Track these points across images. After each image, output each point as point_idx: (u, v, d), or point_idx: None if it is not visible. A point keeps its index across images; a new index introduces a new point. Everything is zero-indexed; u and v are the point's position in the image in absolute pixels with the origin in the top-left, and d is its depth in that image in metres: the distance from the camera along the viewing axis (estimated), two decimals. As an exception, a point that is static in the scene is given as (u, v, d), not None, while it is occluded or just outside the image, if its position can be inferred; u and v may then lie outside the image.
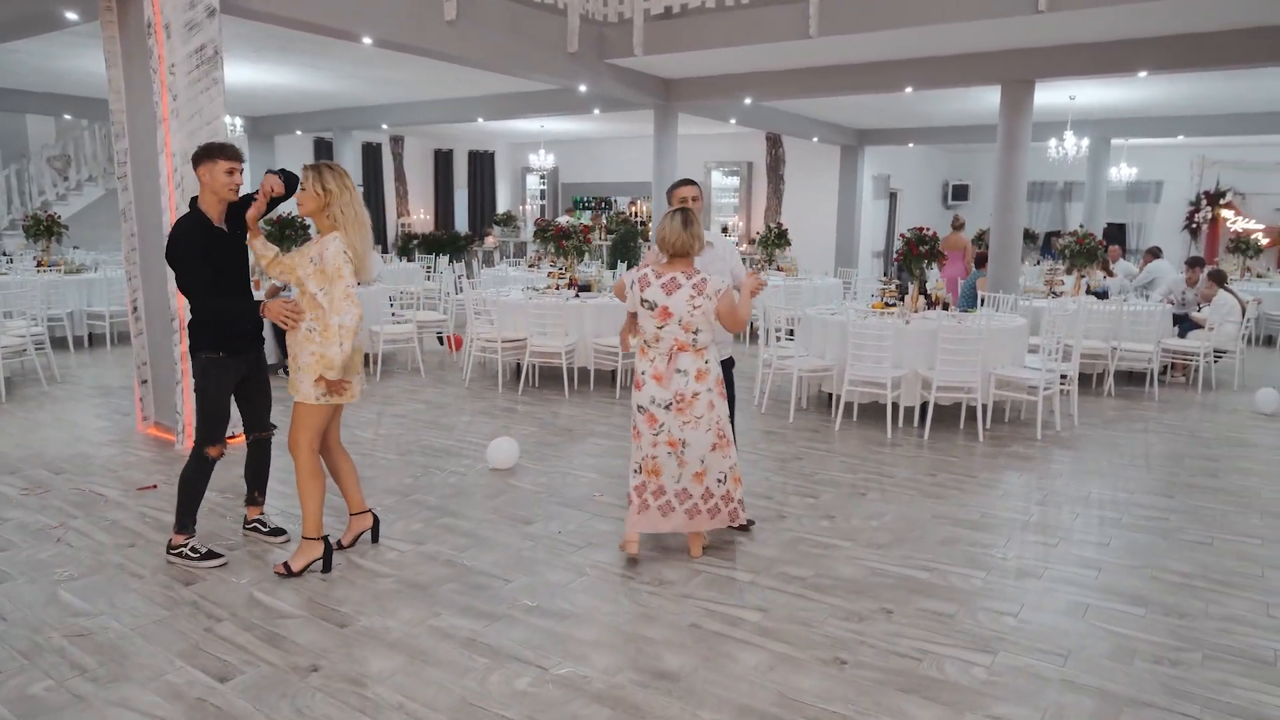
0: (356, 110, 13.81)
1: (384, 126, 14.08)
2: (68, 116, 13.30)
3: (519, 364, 8.05)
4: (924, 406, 6.55)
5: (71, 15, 6.69)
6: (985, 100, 11.24)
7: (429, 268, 13.73)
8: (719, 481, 4.00)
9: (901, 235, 7.30)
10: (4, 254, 11.48)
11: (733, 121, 12.26)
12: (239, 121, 11.49)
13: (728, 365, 4.41)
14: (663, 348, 3.88)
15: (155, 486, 5.04)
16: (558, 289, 8.47)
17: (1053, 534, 4.44)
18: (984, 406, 6.49)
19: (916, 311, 7.15)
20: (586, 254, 8.76)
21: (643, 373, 3.96)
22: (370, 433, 6.38)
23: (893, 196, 17.55)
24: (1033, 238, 18.19)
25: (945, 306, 7.39)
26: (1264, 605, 3.64)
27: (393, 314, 9.06)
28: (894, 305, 7.20)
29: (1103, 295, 9.28)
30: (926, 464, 5.69)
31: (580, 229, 8.56)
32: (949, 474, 5.47)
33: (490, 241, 18.11)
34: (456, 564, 4.01)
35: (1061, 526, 4.55)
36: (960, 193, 19.19)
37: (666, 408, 3.88)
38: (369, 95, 12.53)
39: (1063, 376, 6.69)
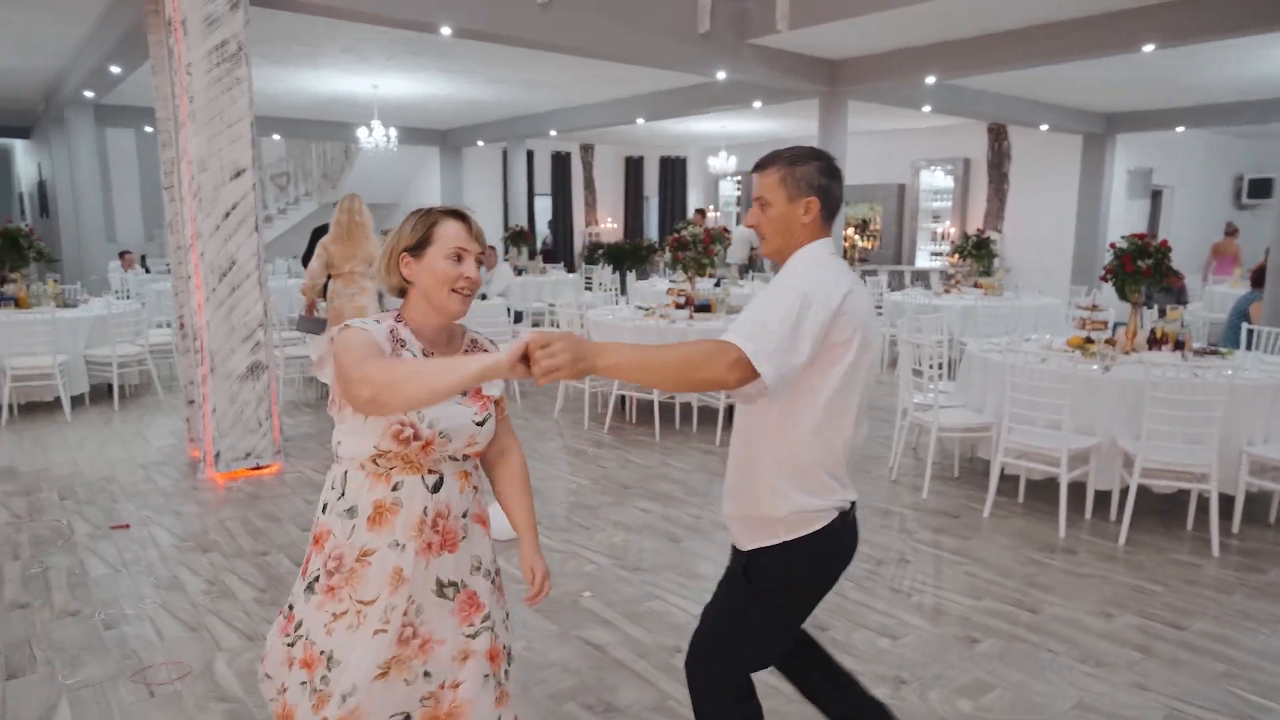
0: (524, 119, 13.35)
1: (552, 133, 13.49)
2: (275, 137, 14.04)
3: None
4: (1125, 492, 4.48)
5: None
6: (1282, 62, 8.32)
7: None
8: None
9: (1112, 245, 5.20)
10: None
11: (926, 109, 10.17)
12: (393, 132, 11.35)
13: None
14: None
15: (128, 526, 4.48)
16: (678, 306, 7.17)
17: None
18: (1223, 499, 4.31)
19: (1131, 352, 5.03)
20: (709, 267, 7.32)
21: None
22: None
23: (1156, 195, 14.19)
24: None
25: (1180, 346, 5.16)
26: None
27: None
28: (1094, 342, 5.12)
29: None
30: (1101, 594, 3.72)
31: (701, 237, 7.17)
32: (1134, 616, 3.49)
33: (672, 251, 17.10)
34: None
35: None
36: (1260, 189, 15.17)
37: None
38: (527, 102, 11.92)
39: (1370, 461, 4.31)
